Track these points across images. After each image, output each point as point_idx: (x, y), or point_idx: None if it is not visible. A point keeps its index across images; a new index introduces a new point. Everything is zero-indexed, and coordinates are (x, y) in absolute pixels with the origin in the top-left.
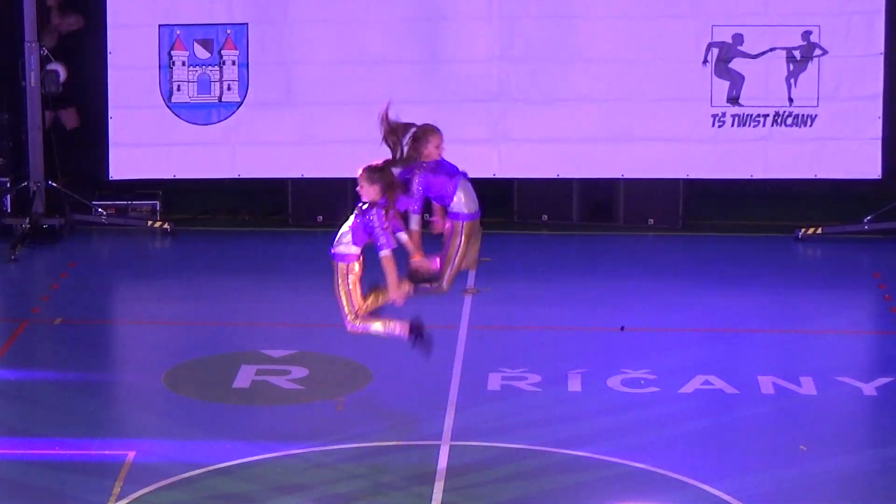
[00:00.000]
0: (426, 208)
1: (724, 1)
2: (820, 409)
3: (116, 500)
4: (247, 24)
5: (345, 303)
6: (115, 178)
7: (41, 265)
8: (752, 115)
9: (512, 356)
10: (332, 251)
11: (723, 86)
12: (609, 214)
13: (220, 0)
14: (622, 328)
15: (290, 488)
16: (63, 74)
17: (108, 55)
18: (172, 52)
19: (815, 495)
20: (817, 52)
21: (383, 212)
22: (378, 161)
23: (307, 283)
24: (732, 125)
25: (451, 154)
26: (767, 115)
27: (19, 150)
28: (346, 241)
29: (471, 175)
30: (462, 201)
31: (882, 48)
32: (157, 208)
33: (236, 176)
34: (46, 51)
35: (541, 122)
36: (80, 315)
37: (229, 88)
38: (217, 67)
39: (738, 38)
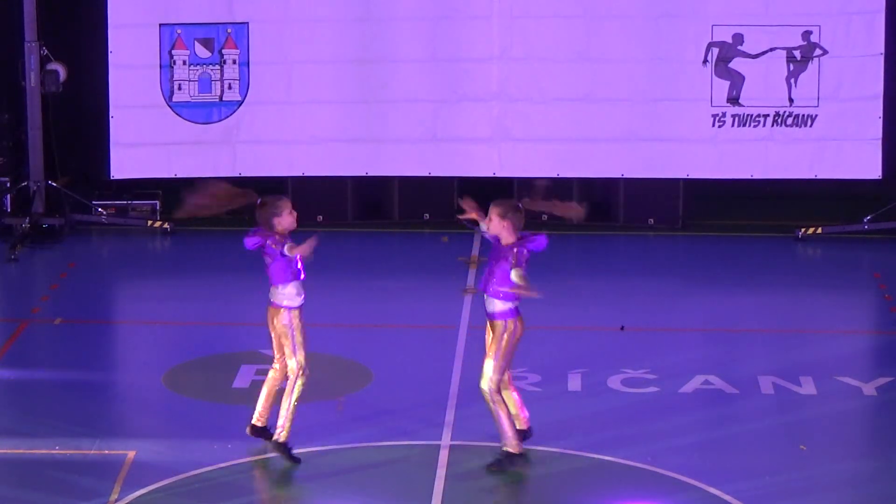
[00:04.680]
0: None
1: (725, 1)
2: (820, 409)
3: (116, 500)
4: (247, 23)
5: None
6: (116, 177)
7: (41, 265)
8: (752, 115)
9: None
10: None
11: (723, 86)
12: (609, 214)
13: None
14: (622, 328)
15: (291, 488)
16: (63, 74)
17: (109, 55)
18: (173, 52)
19: (814, 495)
20: (817, 52)
21: None
22: None
23: (307, 283)
24: (733, 125)
25: (451, 153)
26: (768, 115)
27: (19, 150)
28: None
29: (471, 174)
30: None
31: (882, 48)
32: (157, 208)
33: (237, 174)
34: (46, 51)
35: (541, 122)
36: (80, 315)
37: (230, 87)
38: (218, 66)
39: (739, 38)
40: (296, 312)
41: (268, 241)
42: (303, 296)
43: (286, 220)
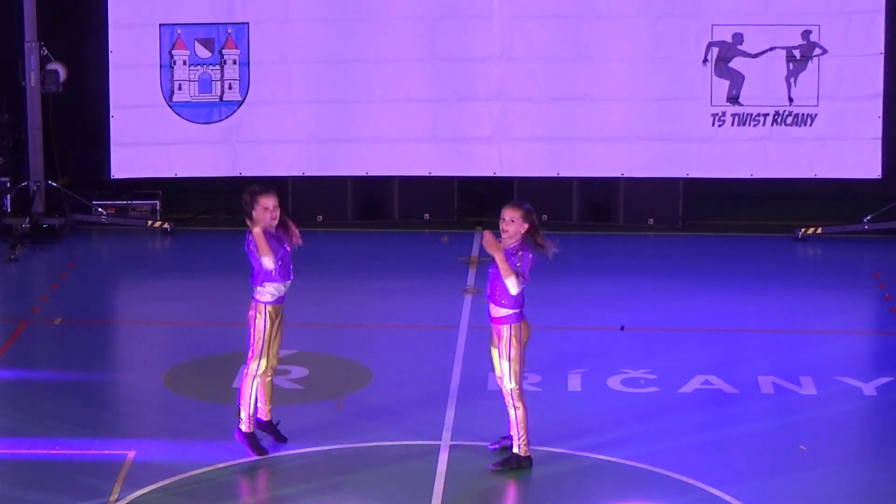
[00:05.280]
0: None
1: (724, 0)
2: (820, 409)
3: (116, 500)
4: (248, 23)
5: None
6: (116, 176)
7: (41, 265)
8: (752, 115)
9: None
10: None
11: (723, 85)
12: (609, 214)
13: None
14: (622, 328)
15: (290, 488)
16: (63, 74)
17: (109, 55)
18: (173, 52)
19: (814, 495)
20: (817, 51)
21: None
22: None
23: (307, 283)
24: (732, 124)
25: (451, 153)
26: (767, 115)
27: (19, 150)
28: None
29: (471, 174)
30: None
31: (882, 48)
32: (157, 208)
33: (237, 174)
34: (46, 51)
35: (541, 121)
36: (80, 315)
37: (230, 87)
38: (218, 66)
39: (738, 38)
40: (263, 307)
41: (248, 237)
42: (277, 295)
43: (259, 214)
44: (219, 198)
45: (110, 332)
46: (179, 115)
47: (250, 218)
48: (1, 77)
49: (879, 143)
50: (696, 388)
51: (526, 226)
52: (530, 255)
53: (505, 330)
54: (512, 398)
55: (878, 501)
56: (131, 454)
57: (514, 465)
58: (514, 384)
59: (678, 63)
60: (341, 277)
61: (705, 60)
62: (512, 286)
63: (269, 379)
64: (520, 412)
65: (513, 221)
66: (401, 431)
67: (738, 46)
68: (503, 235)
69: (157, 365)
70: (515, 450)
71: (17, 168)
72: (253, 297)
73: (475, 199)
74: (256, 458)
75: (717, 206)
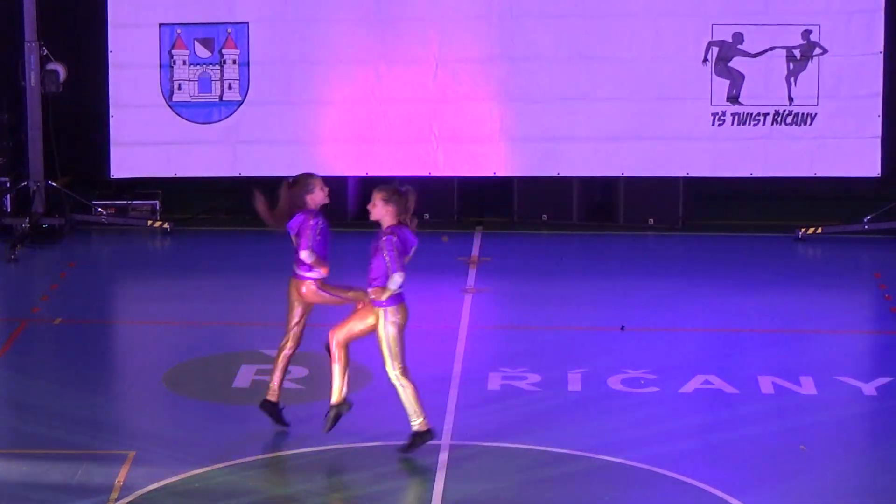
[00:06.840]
0: None
1: (724, 0)
2: (820, 409)
3: (116, 500)
4: (247, 23)
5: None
6: (115, 176)
7: (41, 265)
8: (751, 114)
9: (512, 356)
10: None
11: (723, 84)
12: (609, 214)
13: None
14: (622, 328)
15: (290, 488)
16: (63, 74)
17: (109, 54)
18: (173, 51)
19: (814, 495)
20: (817, 50)
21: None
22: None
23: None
24: (732, 124)
25: (451, 153)
26: (767, 114)
27: (19, 150)
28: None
29: (471, 174)
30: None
31: (881, 47)
32: (157, 208)
33: (237, 174)
34: (46, 51)
35: (541, 121)
36: (80, 315)
37: (230, 87)
38: (218, 66)
39: (738, 37)
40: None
41: (304, 217)
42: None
43: (318, 196)
44: (219, 198)
45: (110, 332)
46: (179, 115)
47: (304, 204)
48: (1, 77)
49: (879, 141)
50: (696, 388)
51: (389, 208)
52: (393, 239)
53: (381, 312)
54: (397, 378)
55: (878, 501)
56: (131, 454)
57: (418, 442)
58: (396, 365)
59: (678, 62)
60: (341, 277)
61: (705, 60)
62: (393, 284)
63: (290, 353)
64: (408, 390)
65: (374, 206)
66: (401, 431)
67: (739, 46)
68: (371, 218)
69: (157, 365)
70: (415, 428)
71: (17, 168)
72: (301, 277)
73: (475, 199)
74: (256, 457)
75: (717, 206)
